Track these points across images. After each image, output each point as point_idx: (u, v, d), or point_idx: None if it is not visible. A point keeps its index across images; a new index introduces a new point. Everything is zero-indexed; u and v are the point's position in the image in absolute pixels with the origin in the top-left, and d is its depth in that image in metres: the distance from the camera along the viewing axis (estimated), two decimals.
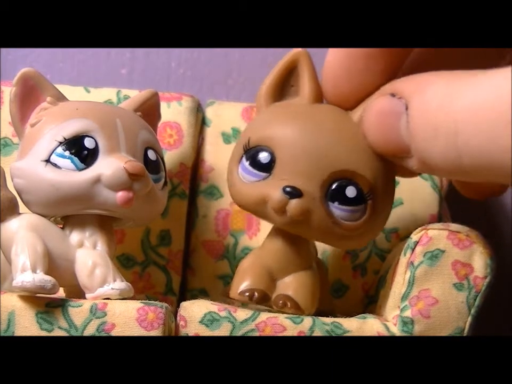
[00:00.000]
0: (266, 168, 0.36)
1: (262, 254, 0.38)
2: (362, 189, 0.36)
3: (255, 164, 0.36)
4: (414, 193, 0.46)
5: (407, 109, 0.31)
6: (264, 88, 0.38)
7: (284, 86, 0.38)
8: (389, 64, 0.35)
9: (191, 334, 0.34)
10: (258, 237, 0.46)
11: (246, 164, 0.36)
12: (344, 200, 0.35)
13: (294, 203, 0.34)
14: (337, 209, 0.35)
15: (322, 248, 0.45)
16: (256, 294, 0.35)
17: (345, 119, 0.36)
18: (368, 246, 0.46)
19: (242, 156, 0.37)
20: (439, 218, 0.46)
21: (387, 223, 0.46)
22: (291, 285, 0.37)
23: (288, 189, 0.35)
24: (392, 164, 0.36)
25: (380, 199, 0.36)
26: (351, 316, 0.37)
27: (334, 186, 0.35)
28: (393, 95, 0.33)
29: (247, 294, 0.36)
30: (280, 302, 0.35)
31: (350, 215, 0.36)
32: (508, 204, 0.57)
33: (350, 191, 0.35)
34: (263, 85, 0.38)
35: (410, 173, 0.37)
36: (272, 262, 0.37)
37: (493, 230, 0.56)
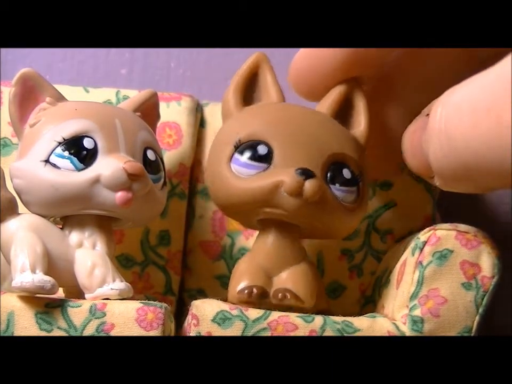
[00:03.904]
0: (266, 158, 0.36)
1: (255, 255, 0.38)
2: (354, 171, 0.37)
3: (253, 156, 0.36)
4: (407, 195, 0.46)
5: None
6: (231, 94, 0.39)
7: (247, 92, 0.39)
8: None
9: (203, 333, 0.34)
10: (255, 237, 0.46)
11: (243, 158, 0.37)
12: (343, 181, 0.37)
13: (310, 183, 0.35)
14: (338, 191, 0.37)
15: (317, 249, 0.45)
16: (255, 290, 0.36)
17: (317, 112, 0.38)
18: (363, 247, 0.46)
19: (233, 154, 0.37)
20: (433, 219, 0.46)
21: (382, 224, 0.47)
22: (288, 278, 0.37)
23: (301, 171, 0.35)
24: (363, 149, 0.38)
25: (365, 181, 0.38)
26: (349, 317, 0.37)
27: (332, 168, 0.37)
28: (428, 114, 0.33)
29: (246, 291, 0.36)
30: (280, 294, 0.36)
31: (348, 196, 0.37)
32: (498, 207, 0.57)
33: (346, 173, 0.37)
34: (229, 91, 0.39)
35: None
36: (266, 260, 0.37)
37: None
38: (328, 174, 0.37)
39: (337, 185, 0.37)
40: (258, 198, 0.36)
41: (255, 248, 0.38)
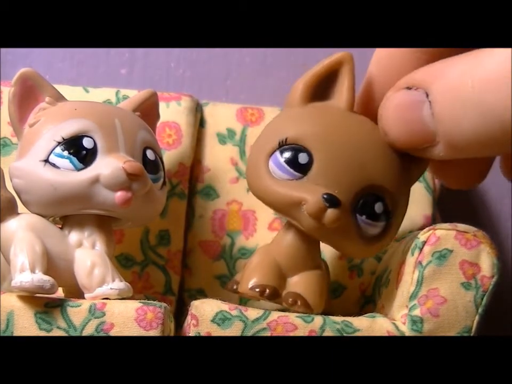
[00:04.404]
0: (303, 169, 0.35)
1: (273, 250, 0.38)
2: (388, 205, 0.36)
3: (291, 162, 0.35)
4: None
5: (427, 96, 0.32)
6: (302, 85, 0.37)
7: (321, 86, 0.37)
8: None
9: (202, 333, 0.34)
10: (255, 237, 0.46)
11: (281, 160, 0.35)
12: (372, 215, 0.36)
13: (331, 212, 0.34)
14: (363, 222, 0.36)
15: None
16: (267, 290, 0.35)
17: (377, 132, 0.36)
18: None
19: (275, 151, 0.36)
20: (433, 219, 0.46)
21: None
22: (301, 283, 0.37)
23: (327, 196, 0.34)
24: (410, 181, 0.37)
25: (398, 217, 0.37)
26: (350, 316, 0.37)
27: (364, 199, 0.36)
28: (408, 88, 0.33)
29: (258, 289, 0.36)
30: (290, 299, 0.36)
31: (372, 229, 0.36)
32: (497, 208, 0.57)
33: (378, 207, 0.36)
34: (301, 82, 0.37)
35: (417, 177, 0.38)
36: (283, 258, 0.37)
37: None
38: (359, 204, 0.36)
39: (364, 216, 0.36)
40: (282, 205, 0.36)
41: (274, 243, 0.38)
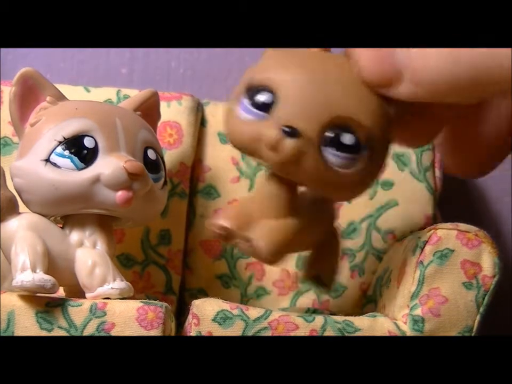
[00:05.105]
0: (266, 108, 0.35)
1: (252, 195, 0.37)
2: (360, 137, 0.34)
3: (255, 103, 0.35)
4: (409, 195, 0.46)
5: None
6: None
7: None
8: None
9: (204, 332, 0.34)
10: None
11: (246, 102, 0.35)
12: (340, 147, 0.34)
13: (288, 142, 0.34)
14: (332, 156, 0.34)
15: None
16: (222, 232, 0.35)
17: (347, 66, 0.35)
18: (364, 246, 0.46)
19: (243, 95, 0.36)
20: (434, 219, 0.46)
21: (383, 224, 0.46)
22: (262, 229, 0.36)
23: (285, 128, 0.34)
24: (390, 117, 0.35)
25: (376, 150, 0.35)
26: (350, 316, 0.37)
27: (332, 131, 0.34)
28: None
29: (216, 231, 0.35)
30: (239, 243, 0.35)
31: (345, 163, 0.34)
32: (497, 208, 0.57)
33: (347, 138, 0.34)
34: None
35: (410, 139, 0.36)
36: (256, 203, 0.37)
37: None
38: (326, 137, 0.34)
39: (333, 149, 0.34)
40: (246, 143, 0.35)
41: (255, 190, 0.38)
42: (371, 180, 0.36)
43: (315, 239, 0.39)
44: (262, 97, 0.35)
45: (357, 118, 0.34)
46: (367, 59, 0.34)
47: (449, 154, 0.37)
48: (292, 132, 0.34)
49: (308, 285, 0.39)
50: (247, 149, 0.36)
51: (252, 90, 0.35)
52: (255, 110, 0.35)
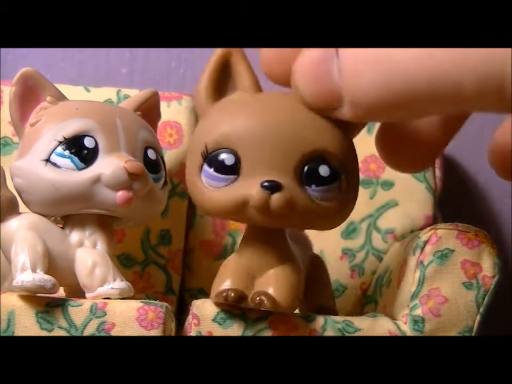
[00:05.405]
0: (233, 169, 0.33)
1: (240, 257, 0.36)
2: (334, 165, 0.34)
3: (220, 168, 0.34)
4: (409, 195, 0.46)
5: (337, 53, 0.30)
6: (201, 89, 0.36)
7: (220, 83, 0.36)
8: None
9: (204, 333, 0.34)
10: None
11: (210, 170, 0.34)
12: (320, 181, 0.34)
13: (276, 197, 0.33)
14: (314, 192, 0.34)
15: (318, 248, 0.45)
16: (231, 294, 0.34)
17: (294, 101, 0.34)
18: (365, 246, 0.46)
19: (202, 164, 0.34)
20: (434, 219, 0.46)
21: (383, 223, 0.46)
22: (269, 280, 0.35)
23: (266, 184, 0.33)
24: (349, 135, 0.35)
25: (351, 173, 0.35)
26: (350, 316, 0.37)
27: (306, 168, 0.34)
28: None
29: (223, 294, 0.34)
30: (257, 298, 0.34)
31: (327, 195, 0.34)
32: (497, 208, 0.57)
33: (323, 170, 0.34)
34: (200, 87, 0.36)
35: (357, 131, 0.36)
36: (250, 263, 0.36)
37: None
38: (303, 176, 0.34)
39: (313, 186, 0.33)
40: (230, 211, 0.34)
41: (240, 248, 0.37)
42: (352, 205, 0.36)
43: (305, 271, 0.39)
44: (225, 160, 0.34)
45: (326, 148, 0.34)
46: (305, 82, 0.33)
47: (385, 152, 0.37)
48: (275, 186, 0.33)
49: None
50: (230, 216, 0.35)
51: (210, 156, 0.34)
52: (221, 176, 0.34)
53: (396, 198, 0.46)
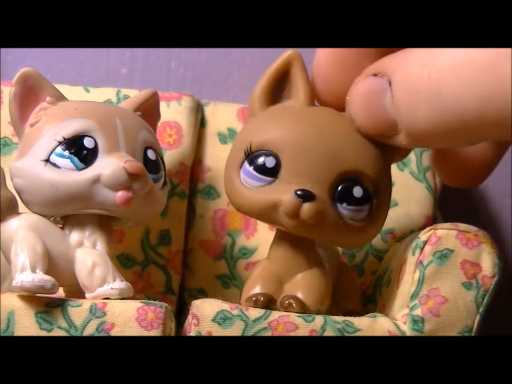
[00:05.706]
0: (272, 172, 0.35)
1: (269, 263, 0.38)
2: (368, 188, 0.36)
3: (260, 168, 0.35)
4: (409, 195, 0.46)
5: (390, 84, 0.32)
6: (258, 92, 0.37)
7: (277, 90, 0.37)
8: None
9: (203, 333, 0.34)
10: (256, 237, 0.46)
11: (250, 169, 0.36)
12: (352, 201, 0.35)
13: (307, 206, 0.34)
14: (345, 210, 0.35)
15: None
16: (260, 298, 0.35)
17: (342, 120, 0.36)
18: (364, 246, 0.46)
19: (243, 161, 0.36)
20: (434, 219, 0.46)
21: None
22: (297, 284, 0.36)
23: (300, 192, 0.34)
24: (388, 160, 0.37)
25: (383, 198, 0.37)
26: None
27: (341, 186, 0.35)
28: (375, 75, 0.33)
29: (253, 299, 0.36)
30: (286, 302, 0.35)
31: (356, 215, 0.36)
32: (497, 208, 0.57)
33: (357, 191, 0.36)
34: (257, 89, 0.37)
35: (399, 157, 0.38)
36: (280, 268, 0.37)
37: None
38: (337, 193, 0.35)
39: (344, 204, 0.35)
40: (260, 211, 0.36)
41: (271, 255, 0.38)
42: (380, 227, 0.38)
43: (333, 277, 0.40)
44: (266, 162, 0.35)
45: (363, 169, 0.35)
46: (361, 110, 0.35)
47: (441, 170, 0.39)
48: (307, 195, 0.34)
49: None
50: (260, 216, 0.36)
51: (253, 155, 0.36)
52: (260, 176, 0.35)
53: (395, 198, 0.46)
